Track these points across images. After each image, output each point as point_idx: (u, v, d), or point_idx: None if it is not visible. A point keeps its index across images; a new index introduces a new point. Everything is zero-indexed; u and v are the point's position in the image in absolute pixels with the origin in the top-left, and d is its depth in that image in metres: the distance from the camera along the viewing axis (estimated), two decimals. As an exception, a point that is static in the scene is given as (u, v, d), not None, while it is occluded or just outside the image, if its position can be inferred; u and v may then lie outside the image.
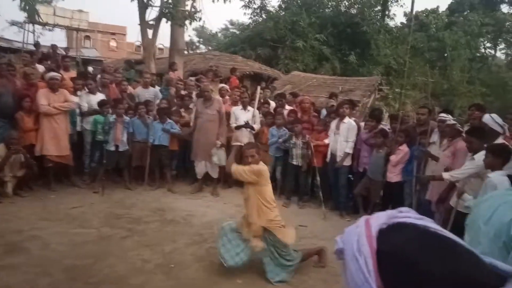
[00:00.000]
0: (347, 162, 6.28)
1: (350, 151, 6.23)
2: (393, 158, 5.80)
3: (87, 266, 3.95)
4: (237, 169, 3.93)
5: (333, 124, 6.37)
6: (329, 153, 6.36)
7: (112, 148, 6.51)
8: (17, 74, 6.65)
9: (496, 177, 3.25)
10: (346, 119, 6.27)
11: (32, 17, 12.44)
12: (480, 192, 3.32)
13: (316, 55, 19.21)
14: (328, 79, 14.44)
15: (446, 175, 4.38)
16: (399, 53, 21.01)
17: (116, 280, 3.73)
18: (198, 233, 5.02)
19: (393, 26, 24.03)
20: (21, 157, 5.76)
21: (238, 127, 6.94)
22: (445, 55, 23.85)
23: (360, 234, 0.70)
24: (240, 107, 7.15)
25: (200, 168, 6.84)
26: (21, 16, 15.18)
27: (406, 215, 0.73)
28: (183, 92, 7.89)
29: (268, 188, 3.98)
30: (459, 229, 4.03)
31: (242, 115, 7.03)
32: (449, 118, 5.25)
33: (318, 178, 6.23)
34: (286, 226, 3.99)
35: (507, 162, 3.44)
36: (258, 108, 7.22)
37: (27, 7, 11.33)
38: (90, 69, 9.52)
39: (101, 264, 4.01)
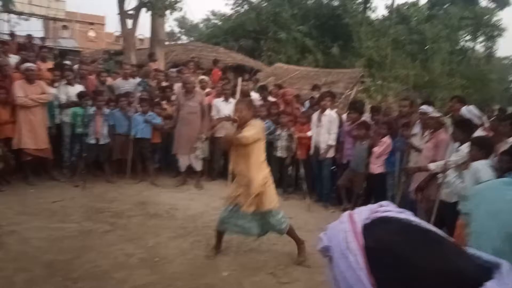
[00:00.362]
0: (331, 153, 6.31)
1: (333, 143, 6.27)
2: (376, 149, 5.85)
3: (68, 261, 3.86)
4: (240, 135, 3.79)
5: (315, 117, 6.38)
6: (312, 145, 6.38)
7: (92, 141, 6.37)
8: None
9: (480, 164, 3.45)
10: (327, 111, 6.29)
11: (6, 6, 12.04)
12: (466, 179, 3.49)
13: (299, 47, 19.23)
14: (311, 71, 14.46)
15: (432, 166, 4.51)
16: (381, 45, 21.18)
17: (98, 275, 3.66)
18: (182, 226, 4.97)
19: (375, 18, 24.22)
20: (-3, 151, 5.59)
21: (220, 120, 6.87)
22: (426, 47, 24.18)
23: (346, 230, 0.68)
24: (221, 99, 7.08)
25: (183, 161, 6.76)
26: (-5, 5, 14.64)
27: (387, 209, 0.72)
28: (164, 84, 7.75)
29: (263, 143, 4.02)
30: (441, 219, 4.18)
31: (224, 107, 6.96)
32: (430, 110, 5.30)
33: (302, 170, 6.24)
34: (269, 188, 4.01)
35: (490, 154, 3.59)
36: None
37: (1, -5, 10.98)
38: (68, 62, 9.28)
39: (82, 259, 3.92)
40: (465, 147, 3.93)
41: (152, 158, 6.91)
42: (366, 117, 6.60)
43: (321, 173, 6.34)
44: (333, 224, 0.74)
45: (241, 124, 3.86)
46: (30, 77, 5.92)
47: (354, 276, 0.64)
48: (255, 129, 3.82)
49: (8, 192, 5.74)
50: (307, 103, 7.51)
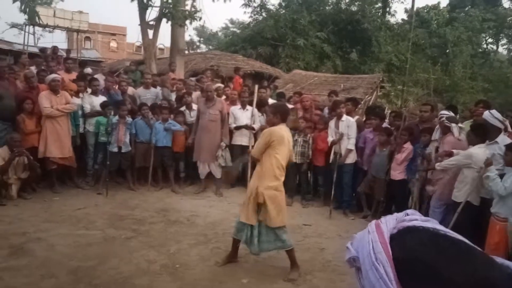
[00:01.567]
0: (351, 159, 6.26)
1: (352, 147, 6.22)
2: (398, 156, 5.78)
3: (92, 267, 3.94)
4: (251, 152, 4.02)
5: (332, 124, 6.34)
6: (332, 152, 6.33)
7: (115, 150, 6.51)
8: (18, 77, 6.64)
9: (474, 148, 4.14)
10: (344, 117, 6.25)
11: (32, 19, 12.43)
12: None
13: (317, 53, 19.21)
14: (329, 77, 14.45)
15: (437, 165, 4.66)
16: (401, 50, 20.97)
17: (121, 282, 3.73)
18: (202, 233, 5.02)
19: (394, 22, 24.01)
20: (25, 159, 5.77)
21: (238, 128, 6.93)
22: (447, 51, 23.79)
23: (374, 241, 0.69)
24: (238, 106, 7.13)
25: (203, 168, 6.83)
26: (21, 18, 15.17)
27: (413, 217, 0.73)
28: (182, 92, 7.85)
29: (281, 152, 3.82)
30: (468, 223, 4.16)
31: (241, 114, 7.00)
32: (445, 115, 5.22)
33: (319, 177, 6.22)
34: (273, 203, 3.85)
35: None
36: (259, 108, 7.17)
37: (27, 9, 11.34)
38: (89, 70, 9.50)
39: (105, 265, 4.00)
40: (473, 149, 4.28)
41: (173, 166, 6.98)
42: (386, 123, 6.54)
43: (341, 179, 6.28)
44: (360, 234, 0.74)
45: (267, 127, 4.02)
46: (55, 88, 6.11)
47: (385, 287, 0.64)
48: (261, 140, 3.86)
49: (34, 199, 5.91)
50: (326, 109, 7.49)
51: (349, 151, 6.20)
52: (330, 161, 6.28)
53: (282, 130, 3.86)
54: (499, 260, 0.67)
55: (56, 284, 3.62)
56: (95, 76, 7.82)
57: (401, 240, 0.67)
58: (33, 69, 7.48)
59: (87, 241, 4.57)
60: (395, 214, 0.75)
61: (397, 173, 5.81)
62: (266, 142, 3.79)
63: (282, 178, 3.90)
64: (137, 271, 3.93)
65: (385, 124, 6.41)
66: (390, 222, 0.72)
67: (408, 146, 5.80)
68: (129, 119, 6.69)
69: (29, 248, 4.30)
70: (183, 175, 7.14)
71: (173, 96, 7.93)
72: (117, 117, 6.53)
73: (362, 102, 10.89)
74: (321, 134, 6.50)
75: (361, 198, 6.15)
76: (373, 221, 0.75)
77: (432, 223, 0.71)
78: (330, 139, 6.30)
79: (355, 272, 0.73)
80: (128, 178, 6.79)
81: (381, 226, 0.71)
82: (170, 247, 4.53)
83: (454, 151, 4.66)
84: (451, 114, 5.34)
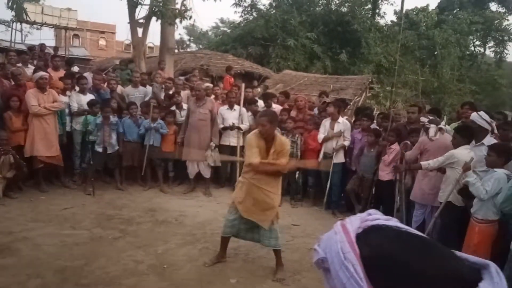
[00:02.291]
0: (340, 159, 6.31)
1: (347, 143, 6.30)
2: (385, 158, 5.83)
3: (79, 267, 3.91)
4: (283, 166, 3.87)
5: (327, 124, 6.38)
6: (321, 152, 6.37)
7: (100, 150, 6.43)
8: (7, 74, 6.54)
9: (458, 149, 4.31)
10: (340, 119, 6.31)
11: (20, 16, 12.27)
12: (488, 183, 3.73)
13: (307, 53, 19.28)
14: (319, 77, 14.51)
15: (423, 164, 4.74)
16: (390, 51, 21.15)
17: (108, 282, 3.70)
18: (191, 233, 5.01)
19: (384, 24, 24.21)
20: (11, 158, 5.68)
21: (225, 129, 6.92)
22: (435, 53, 24.08)
23: (341, 241, 0.69)
24: (226, 107, 7.12)
25: (192, 168, 6.81)
26: (8, 15, 14.93)
27: (375, 217, 0.74)
28: (171, 92, 7.81)
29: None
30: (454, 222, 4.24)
31: (228, 114, 7.00)
32: (426, 120, 5.34)
33: (309, 178, 6.25)
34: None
35: (508, 162, 3.78)
36: (248, 108, 7.18)
37: (14, 6, 11.18)
38: (76, 68, 9.39)
39: (92, 265, 3.97)
40: (458, 150, 4.36)
41: (162, 166, 6.94)
42: (375, 124, 6.61)
43: (330, 180, 6.31)
44: (327, 234, 0.75)
45: (267, 137, 3.83)
46: (42, 86, 6.03)
47: (356, 286, 0.65)
48: (287, 151, 3.89)
49: (21, 198, 5.83)
50: (315, 110, 7.53)
51: (342, 145, 6.25)
52: (319, 159, 6.31)
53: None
54: (458, 253, 0.69)
55: (43, 283, 3.59)
56: (84, 74, 7.74)
57: (366, 239, 0.69)
58: (19, 66, 7.39)
59: (74, 240, 4.53)
60: (359, 214, 0.76)
61: (385, 174, 5.86)
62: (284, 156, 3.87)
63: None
64: (124, 271, 3.91)
65: (373, 125, 6.47)
66: (354, 222, 0.73)
67: (395, 147, 5.85)
68: (114, 118, 6.60)
69: (16, 247, 4.25)
70: (172, 174, 7.10)
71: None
72: (101, 117, 6.43)
73: (352, 103, 10.96)
74: (312, 134, 6.52)
75: (351, 196, 6.19)
76: (338, 222, 0.76)
77: (394, 222, 0.73)
78: (321, 136, 6.34)
79: (323, 273, 0.73)
80: (115, 177, 6.73)
81: (347, 226, 0.72)
82: (158, 247, 4.51)
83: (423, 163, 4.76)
84: (431, 118, 5.44)
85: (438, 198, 4.61)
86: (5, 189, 5.76)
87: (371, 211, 0.77)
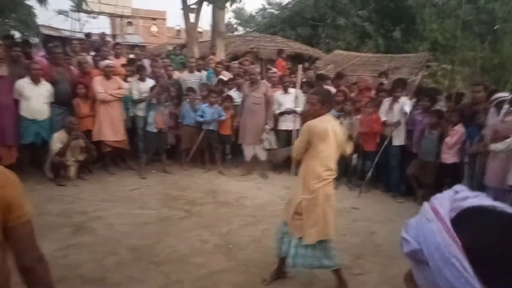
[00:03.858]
0: (400, 142, 6.13)
1: (402, 120, 6.11)
2: (448, 140, 5.60)
3: (150, 245, 4.12)
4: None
5: (386, 104, 6.21)
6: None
7: (154, 130, 6.54)
8: (72, 62, 6.92)
9: None
10: (401, 99, 6.12)
11: (80, 6, 12.85)
12: None
13: (358, 32, 18.66)
14: (372, 57, 14.03)
15: (491, 146, 4.59)
16: (446, 27, 19.99)
17: (179, 260, 3.87)
18: (252, 214, 5.12)
19: (440, -1, 22.82)
20: (81, 142, 6.06)
21: (281, 114, 6.91)
22: (495, 28, 22.44)
23: (439, 231, 0.61)
24: (281, 91, 7.09)
25: (248, 150, 6.91)
26: (66, 5, 15.66)
27: (464, 195, 0.67)
28: (221, 76, 7.90)
29: (326, 149, 3.12)
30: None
31: (284, 99, 6.97)
32: (499, 97, 5.00)
33: (367, 162, 6.15)
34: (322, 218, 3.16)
35: None
36: (304, 90, 7.11)
37: (75, -4, 11.74)
38: (132, 55, 9.76)
39: (162, 244, 4.18)
40: None
41: (220, 149, 7.11)
42: (441, 106, 6.33)
43: (388, 163, 6.18)
44: (415, 221, 0.67)
45: (309, 118, 3.25)
46: (108, 73, 6.33)
47: (467, 286, 0.57)
48: (300, 138, 3.22)
49: (91, 180, 6.23)
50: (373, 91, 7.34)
51: (398, 122, 6.06)
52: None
53: (324, 122, 3.14)
54: None
55: (118, 261, 3.80)
56: (142, 60, 8.02)
57: (464, 226, 0.61)
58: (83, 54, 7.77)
59: (143, 220, 4.78)
60: (445, 193, 0.69)
61: (449, 156, 5.65)
62: (305, 141, 3.14)
63: (331, 177, 3.20)
64: (192, 250, 4.08)
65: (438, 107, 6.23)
66: (445, 204, 0.65)
67: (459, 129, 5.60)
68: (166, 103, 6.71)
69: (91, 226, 4.55)
70: (230, 157, 7.26)
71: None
72: (155, 100, 6.58)
73: (408, 82, 10.53)
74: (371, 117, 6.38)
75: (411, 181, 6.03)
76: (427, 205, 0.67)
77: (483, 198, 0.66)
78: (383, 118, 6.22)
79: (414, 264, 0.66)
80: (163, 160, 6.88)
81: (439, 210, 0.64)
82: (222, 227, 4.66)
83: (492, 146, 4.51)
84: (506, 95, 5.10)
85: (506, 181, 4.41)
86: (77, 172, 6.18)
87: (458, 187, 0.70)
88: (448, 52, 17.69)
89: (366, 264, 3.95)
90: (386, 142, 6.06)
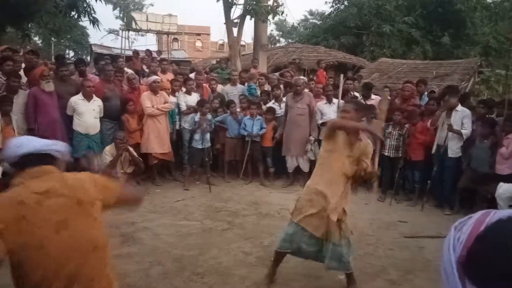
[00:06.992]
0: (456, 153, 5.84)
1: (467, 132, 5.76)
2: (503, 151, 5.26)
3: (194, 256, 4.19)
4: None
5: (443, 113, 5.94)
6: (435, 144, 5.95)
7: (199, 146, 6.67)
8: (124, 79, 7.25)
9: None
10: (459, 107, 5.86)
11: (129, 25, 13.49)
12: None
13: (404, 39, 18.20)
14: (419, 64, 13.60)
15: None
16: (500, 30, 19.01)
17: (222, 272, 3.90)
18: (294, 227, 5.06)
19: (491, 1, 21.79)
20: (128, 155, 6.29)
21: (323, 124, 6.83)
22: (554, 29, 21.03)
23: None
24: (324, 101, 7.01)
25: (291, 162, 6.88)
26: (117, 25, 16.53)
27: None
28: (266, 88, 7.95)
29: (338, 157, 3.29)
30: None
31: (328, 109, 6.88)
32: None
33: (416, 173, 5.91)
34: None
35: None
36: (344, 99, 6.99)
37: (125, 16, 12.35)
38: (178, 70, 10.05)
39: (206, 255, 4.23)
40: None
41: (263, 161, 7.13)
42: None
43: (442, 174, 5.88)
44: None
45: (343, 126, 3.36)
46: (155, 89, 6.58)
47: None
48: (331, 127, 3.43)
49: (139, 192, 6.43)
50: (425, 97, 7.09)
51: (460, 133, 5.75)
52: (433, 151, 5.92)
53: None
54: None
55: (164, 271, 3.89)
56: (189, 75, 8.27)
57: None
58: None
59: (188, 231, 4.88)
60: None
61: (504, 167, 5.31)
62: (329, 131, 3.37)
63: None
64: (235, 262, 4.10)
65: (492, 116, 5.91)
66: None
67: (514, 137, 5.26)
68: (209, 116, 6.81)
69: (138, 236, 4.69)
70: (272, 170, 7.23)
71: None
72: (199, 115, 6.71)
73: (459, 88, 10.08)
74: (419, 126, 6.14)
75: (463, 195, 5.71)
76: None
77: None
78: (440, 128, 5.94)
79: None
80: (206, 172, 6.86)
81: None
82: (264, 239, 4.65)
83: None
84: None
85: None
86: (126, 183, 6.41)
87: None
88: (502, 56, 16.81)
89: (415, 279, 3.79)
90: (441, 152, 5.78)
